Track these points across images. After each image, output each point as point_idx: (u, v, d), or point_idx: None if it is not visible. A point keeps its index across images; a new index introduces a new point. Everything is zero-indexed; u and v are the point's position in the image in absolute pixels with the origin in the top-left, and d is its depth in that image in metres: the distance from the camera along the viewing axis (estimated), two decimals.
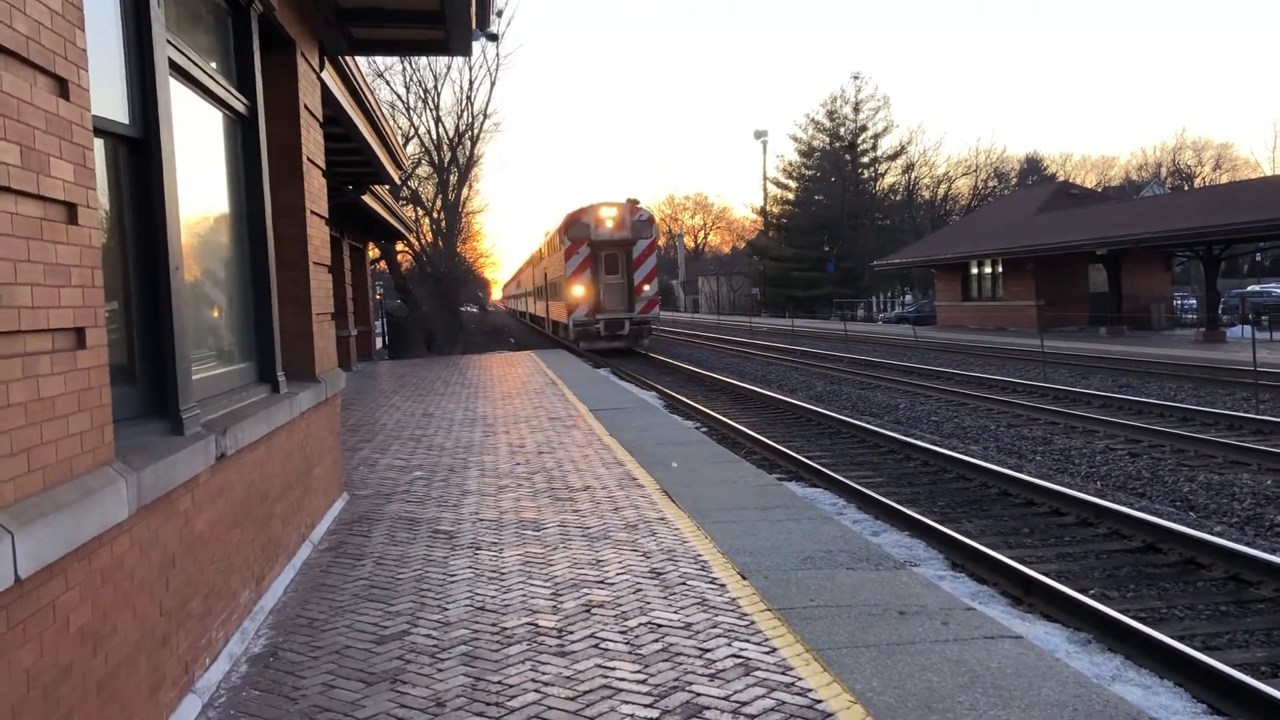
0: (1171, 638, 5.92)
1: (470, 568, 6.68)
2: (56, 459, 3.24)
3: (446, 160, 44.11)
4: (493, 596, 6.04)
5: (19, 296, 3.02)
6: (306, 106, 8.05)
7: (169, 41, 4.84)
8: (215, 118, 6.12)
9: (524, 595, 6.04)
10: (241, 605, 5.39)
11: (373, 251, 36.58)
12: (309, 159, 7.99)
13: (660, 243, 53.02)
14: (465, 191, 47.47)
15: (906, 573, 6.34)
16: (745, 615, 5.54)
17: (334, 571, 6.70)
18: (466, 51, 9.94)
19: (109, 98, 4.24)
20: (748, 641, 5.13)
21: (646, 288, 36.00)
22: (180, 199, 4.83)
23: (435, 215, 46.15)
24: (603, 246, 35.86)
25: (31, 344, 3.11)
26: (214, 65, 5.98)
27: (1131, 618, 6.33)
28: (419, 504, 8.76)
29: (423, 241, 45.13)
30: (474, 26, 9.22)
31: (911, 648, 4.99)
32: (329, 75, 10.12)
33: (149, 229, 4.57)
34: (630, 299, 35.83)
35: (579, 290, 35.45)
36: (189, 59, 5.29)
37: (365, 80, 13.32)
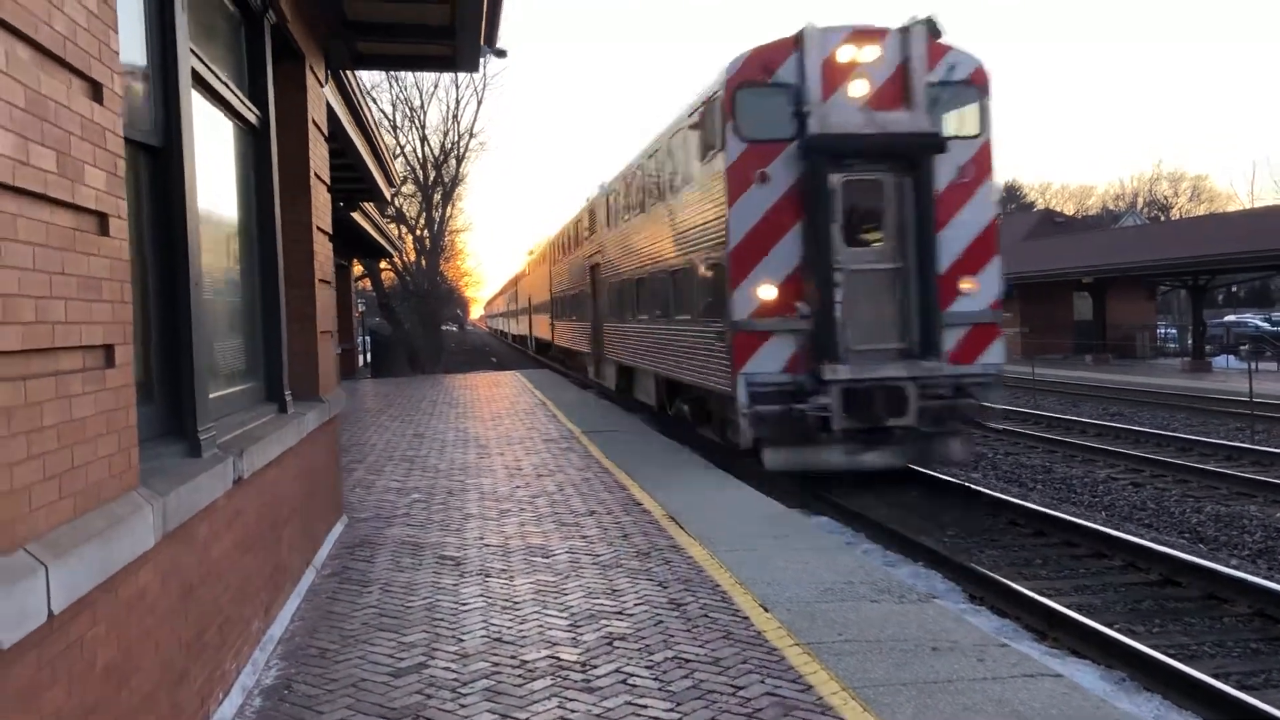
0: (1209, 675, 5.79)
1: (482, 596, 6.47)
2: (86, 484, 3.04)
3: (431, 179, 43.90)
4: (509, 627, 5.83)
5: (53, 311, 2.83)
6: (314, 120, 7.88)
7: (191, 50, 4.67)
8: (228, 129, 5.94)
9: (540, 626, 5.84)
10: (252, 635, 5.16)
11: (355, 268, 36.27)
12: (315, 174, 7.81)
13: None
14: (449, 210, 47.26)
15: (932, 606, 6.18)
16: (774, 650, 5.36)
17: (341, 599, 6.48)
18: (473, 67, 9.80)
19: (132, 104, 4.06)
20: (780, 679, 4.95)
21: (971, 282, 12.16)
22: (200, 211, 4.65)
23: (419, 233, 45.86)
24: (842, 160, 11.91)
25: (64, 362, 2.92)
26: (229, 75, 5.80)
27: (1163, 654, 6.20)
28: (421, 528, 8.53)
29: (405, 259, 44.82)
30: (482, 42, 9.09)
31: (951, 686, 4.82)
32: (329, 90, 9.94)
33: (169, 241, 4.39)
34: (927, 312, 11.80)
35: (760, 292, 11.90)
36: (207, 67, 5.12)
37: (363, 96, 13.17)
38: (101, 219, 3.25)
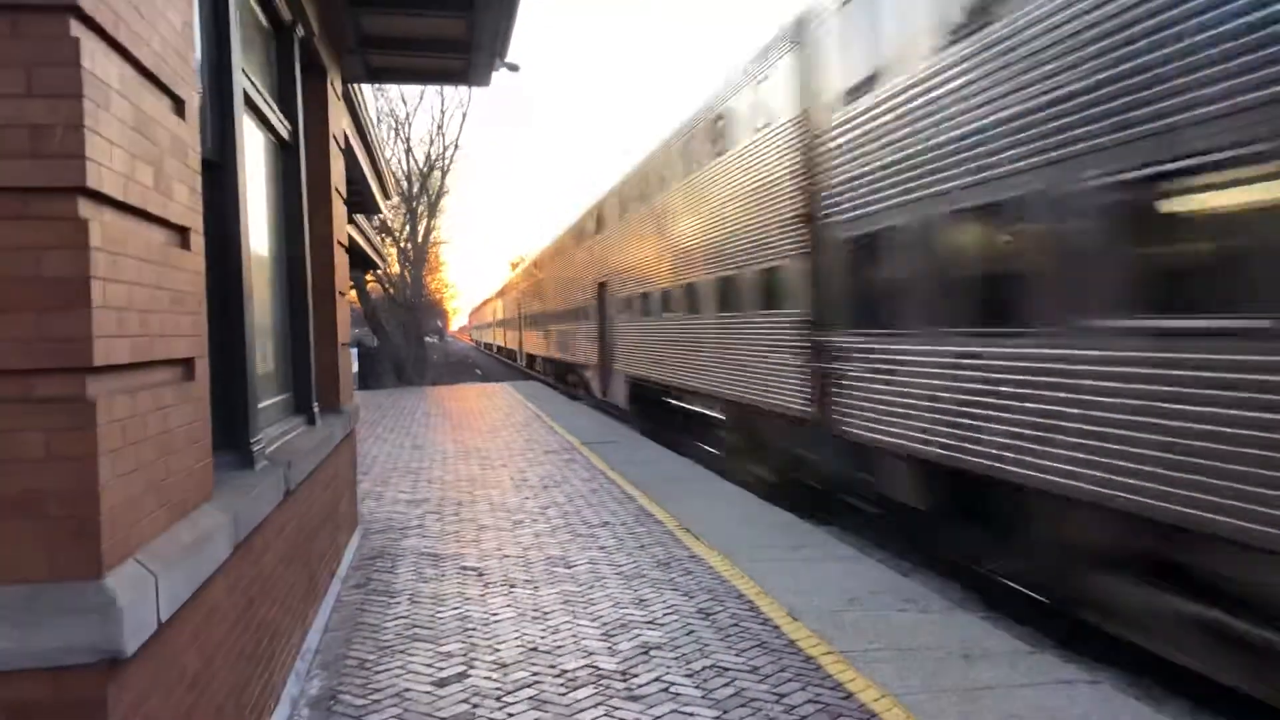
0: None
1: (510, 606, 6.51)
2: (177, 495, 3.08)
3: (416, 190, 43.93)
4: (542, 637, 5.87)
5: (152, 324, 2.88)
6: (333, 134, 7.92)
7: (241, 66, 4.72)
8: (265, 143, 5.98)
9: (574, 636, 5.89)
10: (293, 646, 5.19)
11: None
12: (335, 187, 7.86)
13: None
14: (433, 222, 47.26)
15: (958, 614, 6.27)
16: (810, 659, 5.43)
17: (370, 610, 6.50)
18: (485, 81, 9.86)
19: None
20: (821, 686, 5.02)
21: None
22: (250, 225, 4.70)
23: (403, 245, 45.82)
24: None
25: (160, 375, 2.97)
26: (266, 89, 5.85)
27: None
28: (437, 539, 8.56)
29: (388, 271, 44.77)
30: (495, 56, 9.16)
31: (991, 693, 4.91)
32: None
33: (224, 254, 4.43)
34: None
35: None
36: (250, 82, 5.16)
37: (368, 109, 13.21)
38: (184, 233, 3.30)
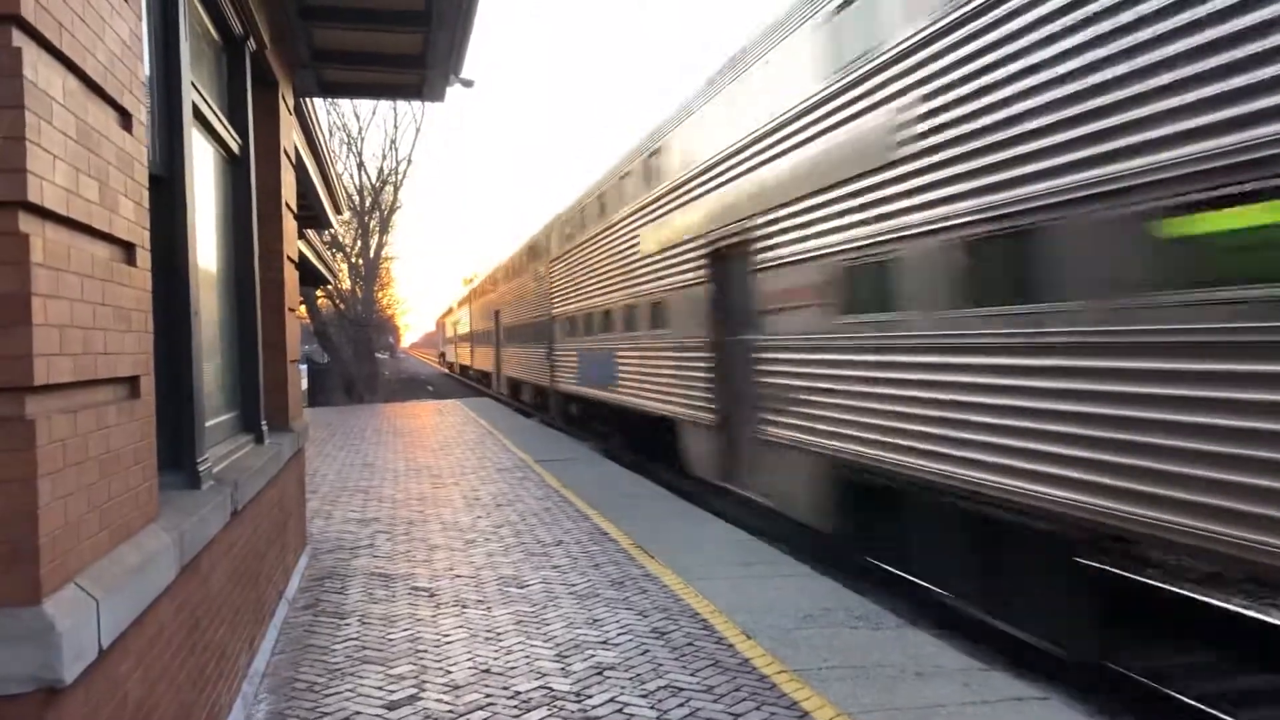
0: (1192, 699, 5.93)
1: (462, 627, 6.43)
2: (120, 517, 3.00)
3: (369, 205, 43.63)
4: (495, 658, 5.81)
5: (96, 342, 2.81)
6: (284, 148, 7.83)
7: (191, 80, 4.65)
8: (214, 157, 5.89)
9: (527, 656, 5.83)
10: (240, 668, 5.08)
11: None
12: (286, 202, 7.76)
13: None
14: (384, 237, 46.93)
15: (910, 632, 6.29)
16: (765, 678, 5.42)
17: (319, 631, 6.39)
18: (440, 97, 9.81)
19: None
20: (776, 705, 5.01)
21: None
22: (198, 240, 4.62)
23: (355, 260, 45.45)
24: None
25: (103, 394, 2.89)
26: (216, 102, 5.77)
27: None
28: (388, 559, 8.45)
29: (339, 287, 44.37)
30: (450, 72, 9.13)
31: (943, 711, 4.92)
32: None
33: (171, 270, 4.34)
34: None
35: None
36: (200, 95, 5.09)
37: (319, 123, 13.09)
38: (130, 249, 3.23)
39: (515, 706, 5.02)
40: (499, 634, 6.27)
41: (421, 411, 27.39)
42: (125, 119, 3.21)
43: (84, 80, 2.79)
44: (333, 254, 43.89)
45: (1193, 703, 5.98)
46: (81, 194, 2.72)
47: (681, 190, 13.67)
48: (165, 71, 4.35)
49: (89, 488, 2.71)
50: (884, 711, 4.91)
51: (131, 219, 3.22)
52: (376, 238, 44.98)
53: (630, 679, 5.41)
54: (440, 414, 26.00)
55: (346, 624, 6.55)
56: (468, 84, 9.68)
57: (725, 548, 8.79)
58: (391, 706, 5.05)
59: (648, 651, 5.88)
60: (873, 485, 8.64)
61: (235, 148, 6.24)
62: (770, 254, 10.38)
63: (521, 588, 7.41)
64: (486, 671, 5.57)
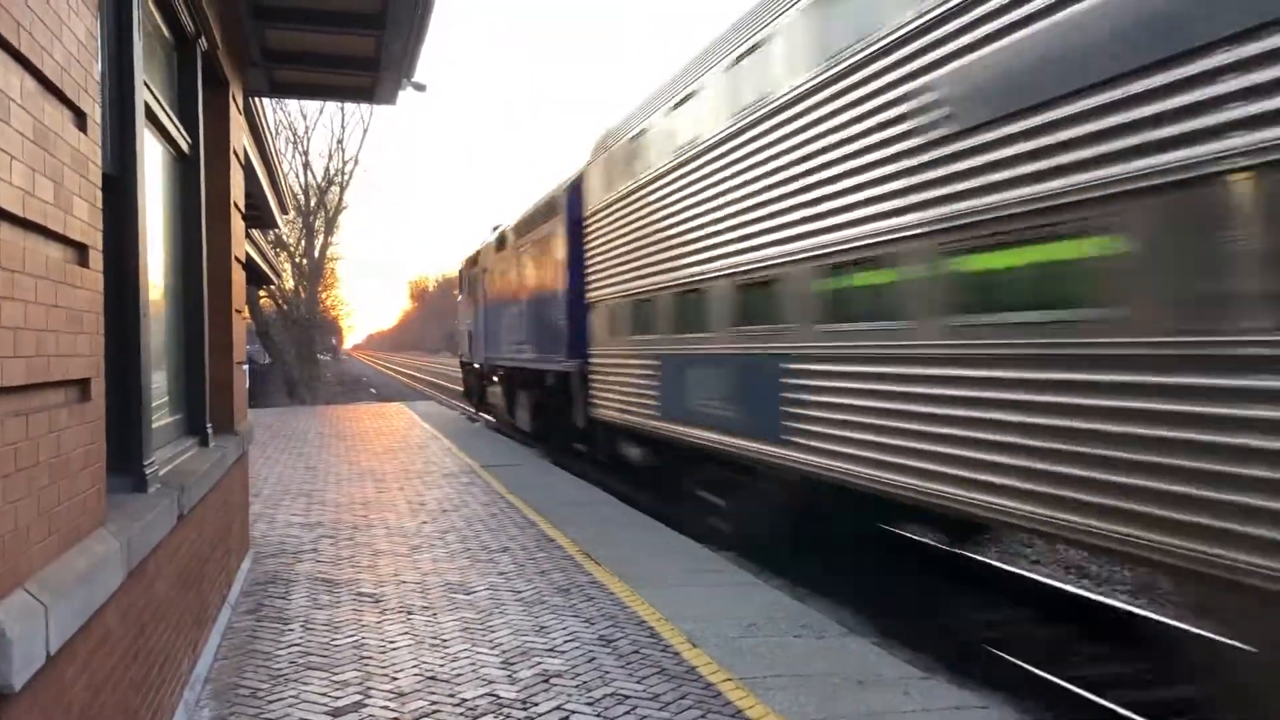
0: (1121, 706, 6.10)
1: (408, 634, 6.40)
2: (69, 522, 2.97)
3: (314, 205, 43.18)
4: (441, 665, 5.80)
5: (48, 344, 2.79)
6: (234, 149, 7.76)
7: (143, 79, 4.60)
8: (165, 156, 5.83)
9: (473, 664, 5.82)
10: (183, 674, 5.02)
11: None
12: (235, 202, 7.68)
13: None
14: (329, 238, 46.47)
15: (853, 640, 6.39)
16: (710, 685, 5.47)
17: (262, 637, 6.33)
18: (392, 100, 9.77)
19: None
20: (721, 713, 5.06)
21: None
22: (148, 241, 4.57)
23: (299, 260, 44.93)
24: None
25: (54, 397, 2.87)
26: (167, 102, 5.70)
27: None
28: (332, 564, 8.38)
29: (282, 287, 43.81)
30: (403, 76, 9.09)
31: (886, 718, 5.01)
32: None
33: (121, 270, 4.29)
34: None
35: None
36: (152, 94, 5.03)
37: (268, 124, 12.96)
38: (84, 251, 3.20)
39: (461, 714, 5.02)
40: (445, 640, 6.26)
41: (364, 414, 27.13)
42: (80, 119, 3.18)
43: (41, 80, 2.77)
44: (276, 253, 43.39)
45: (1125, 712, 6.14)
46: (38, 195, 2.70)
47: None
48: (118, 71, 4.30)
49: (40, 491, 2.69)
50: None
51: (85, 220, 3.20)
52: (321, 237, 44.54)
53: (577, 687, 5.43)
54: (383, 417, 25.78)
55: (290, 629, 6.49)
56: (420, 88, 9.65)
57: (671, 555, 8.84)
58: (336, 714, 5.02)
59: (594, 659, 5.91)
60: None
61: (185, 147, 6.17)
62: None
63: (468, 594, 7.39)
64: (433, 678, 5.56)
